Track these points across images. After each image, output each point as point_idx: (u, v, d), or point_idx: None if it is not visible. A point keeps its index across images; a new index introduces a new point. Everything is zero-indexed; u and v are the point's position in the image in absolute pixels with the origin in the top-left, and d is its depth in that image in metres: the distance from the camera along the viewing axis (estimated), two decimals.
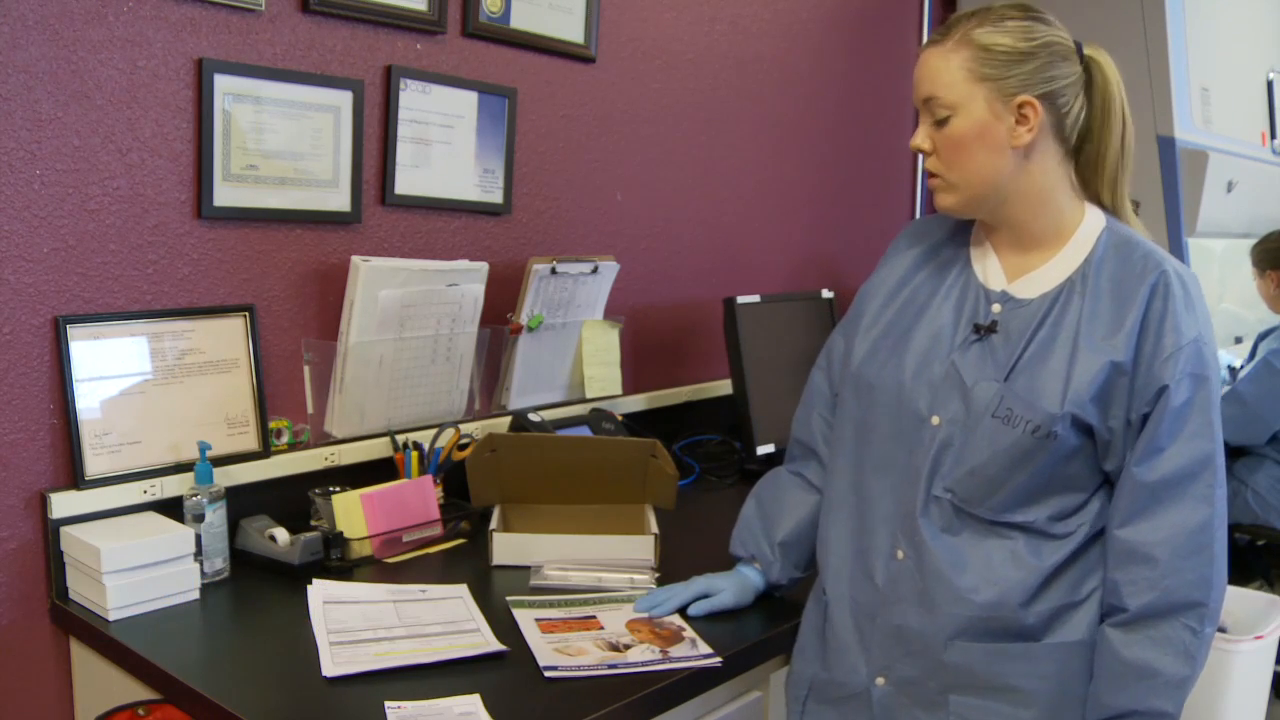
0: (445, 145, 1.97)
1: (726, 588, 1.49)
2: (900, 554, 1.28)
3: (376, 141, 1.88)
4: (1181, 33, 2.91)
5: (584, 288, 2.13)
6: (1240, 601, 1.76)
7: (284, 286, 1.78)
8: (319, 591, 1.49)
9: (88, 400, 1.54)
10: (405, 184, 1.92)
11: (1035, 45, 1.22)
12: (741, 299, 2.24)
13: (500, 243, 2.10)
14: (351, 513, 1.66)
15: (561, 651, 1.33)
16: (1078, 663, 1.23)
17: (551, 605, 1.49)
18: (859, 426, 1.35)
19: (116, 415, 1.57)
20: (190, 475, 1.58)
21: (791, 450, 1.53)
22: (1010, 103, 1.22)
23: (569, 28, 2.15)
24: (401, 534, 1.70)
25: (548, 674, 1.27)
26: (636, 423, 2.24)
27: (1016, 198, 1.26)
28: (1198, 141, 2.95)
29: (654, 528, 1.69)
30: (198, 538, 1.53)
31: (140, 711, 1.31)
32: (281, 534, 1.60)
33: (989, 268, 1.31)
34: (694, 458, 2.32)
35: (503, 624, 1.42)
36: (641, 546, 1.66)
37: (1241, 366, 3.08)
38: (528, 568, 1.61)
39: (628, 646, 1.36)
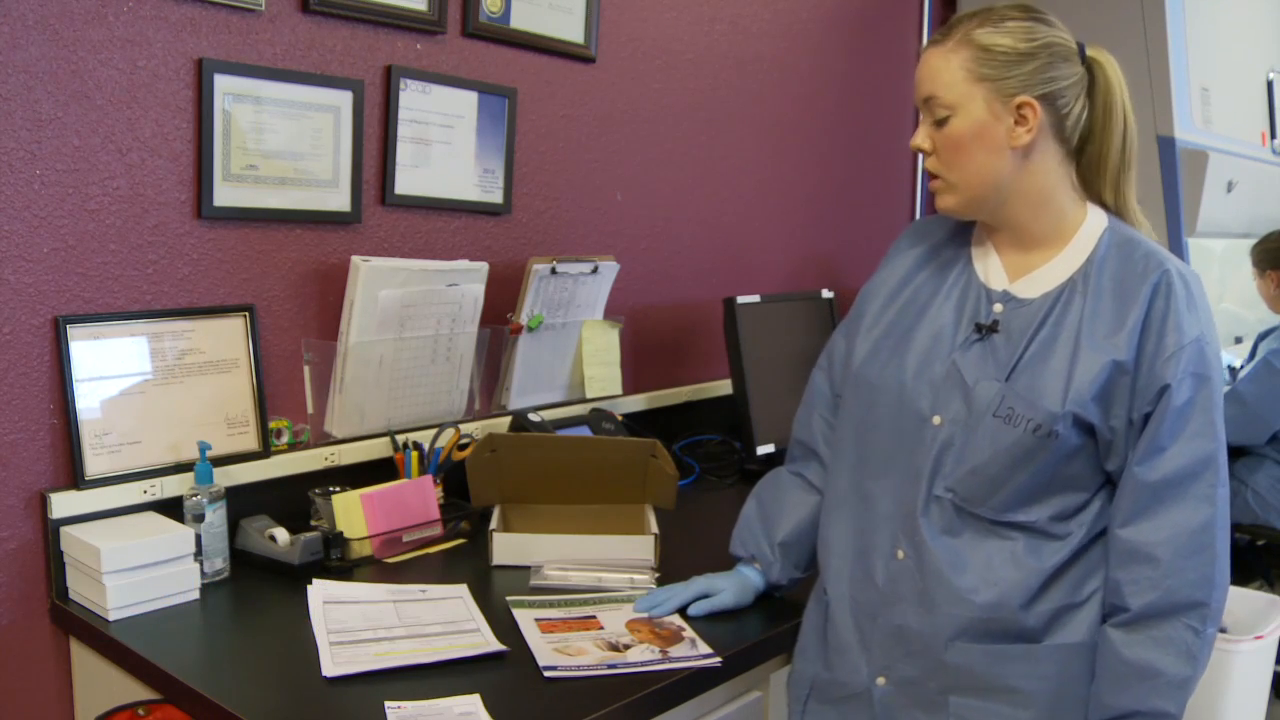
0: (445, 145, 1.97)
1: (726, 588, 1.49)
2: (901, 554, 1.28)
3: (376, 141, 1.88)
4: (1181, 33, 2.91)
5: (584, 288, 2.13)
6: (1240, 601, 1.76)
7: (284, 286, 1.79)
8: (319, 591, 1.49)
9: (88, 400, 1.54)
10: (405, 184, 1.92)
11: (1035, 46, 1.22)
12: (741, 299, 2.24)
13: (500, 243, 2.10)
14: (351, 513, 1.66)
15: (561, 651, 1.33)
16: (1078, 664, 1.23)
17: (551, 605, 1.49)
18: (860, 426, 1.35)
19: (116, 415, 1.57)
20: (190, 475, 1.58)
21: (792, 451, 1.53)
22: (1009, 103, 1.22)
23: (569, 28, 2.15)
24: (401, 534, 1.70)
25: (547, 674, 1.27)
26: (636, 423, 2.24)
27: (1017, 198, 1.26)
28: (1198, 141, 2.95)
29: (654, 528, 1.69)
30: (198, 538, 1.53)
31: (140, 711, 1.31)
32: (281, 534, 1.60)
33: (990, 267, 1.31)
34: (694, 458, 2.32)
35: (503, 624, 1.42)
36: (641, 546, 1.66)
37: (1241, 366, 3.08)
38: (528, 568, 1.61)
39: (627, 646, 1.36)
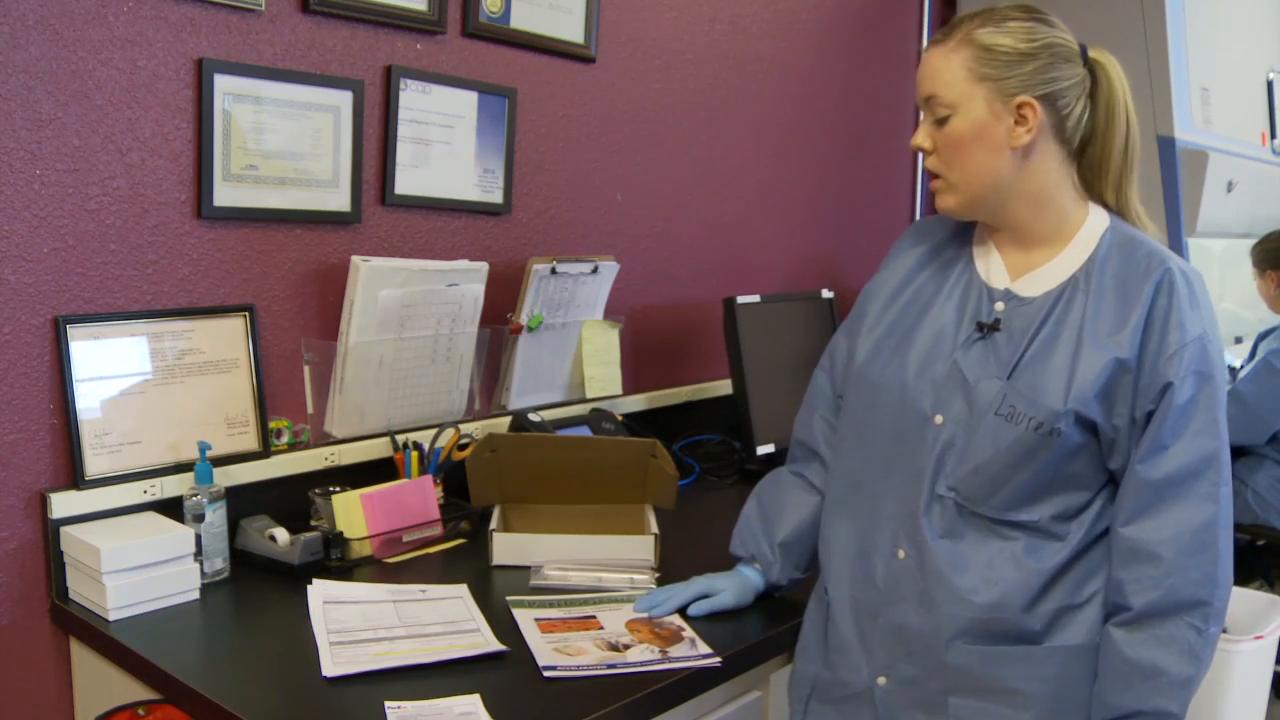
0: (445, 145, 1.97)
1: (726, 588, 1.49)
2: (902, 553, 1.28)
3: (376, 141, 1.88)
4: (1181, 33, 2.91)
5: (584, 288, 2.13)
6: (1240, 601, 1.76)
7: (284, 286, 1.79)
8: (319, 591, 1.49)
9: (88, 400, 1.54)
10: (405, 184, 1.92)
11: (1036, 46, 1.22)
12: (741, 299, 2.24)
13: (500, 243, 2.10)
14: (351, 513, 1.66)
15: (561, 651, 1.33)
16: (1077, 666, 1.23)
17: (551, 605, 1.49)
18: (862, 426, 1.35)
19: (116, 415, 1.57)
20: (190, 475, 1.58)
21: (793, 451, 1.53)
22: (1010, 103, 1.22)
23: (569, 28, 2.15)
24: (401, 534, 1.70)
25: (547, 674, 1.27)
26: (636, 423, 2.24)
27: (1017, 198, 1.26)
28: (1198, 141, 2.95)
29: (654, 528, 1.69)
30: (198, 538, 1.53)
31: (140, 711, 1.31)
32: (281, 534, 1.60)
33: (992, 266, 1.31)
34: (694, 458, 2.32)
35: (503, 624, 1.42)
36: (641, 546, 1.66)
37: (1241, 366, 3.08)
38: (528, 568, 1.61)
39: (627, 646, 1.36)
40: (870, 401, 1.34)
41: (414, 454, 1.81)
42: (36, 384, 1.52)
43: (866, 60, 3.00)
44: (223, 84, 1.65)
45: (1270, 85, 3.46)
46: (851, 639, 1.33)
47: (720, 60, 2.53)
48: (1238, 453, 2.98)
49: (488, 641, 1.35)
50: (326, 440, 1.82)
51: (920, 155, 1.32)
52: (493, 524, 1.68)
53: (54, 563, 1.52)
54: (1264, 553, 3.06)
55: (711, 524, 1.82)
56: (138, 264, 1.61)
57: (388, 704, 1.18)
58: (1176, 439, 1.18)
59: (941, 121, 1.25)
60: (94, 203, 1.55)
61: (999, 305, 1.28)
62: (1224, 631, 1.66)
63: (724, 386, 2.48)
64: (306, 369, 1.81)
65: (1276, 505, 2.93)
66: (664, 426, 2.35)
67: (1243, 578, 2.97)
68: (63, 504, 1.51)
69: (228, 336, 1.70)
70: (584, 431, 2.09)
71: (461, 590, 1.53)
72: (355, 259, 1.74)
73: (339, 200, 1.83)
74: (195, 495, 1.55)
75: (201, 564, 1.53)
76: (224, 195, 1.68)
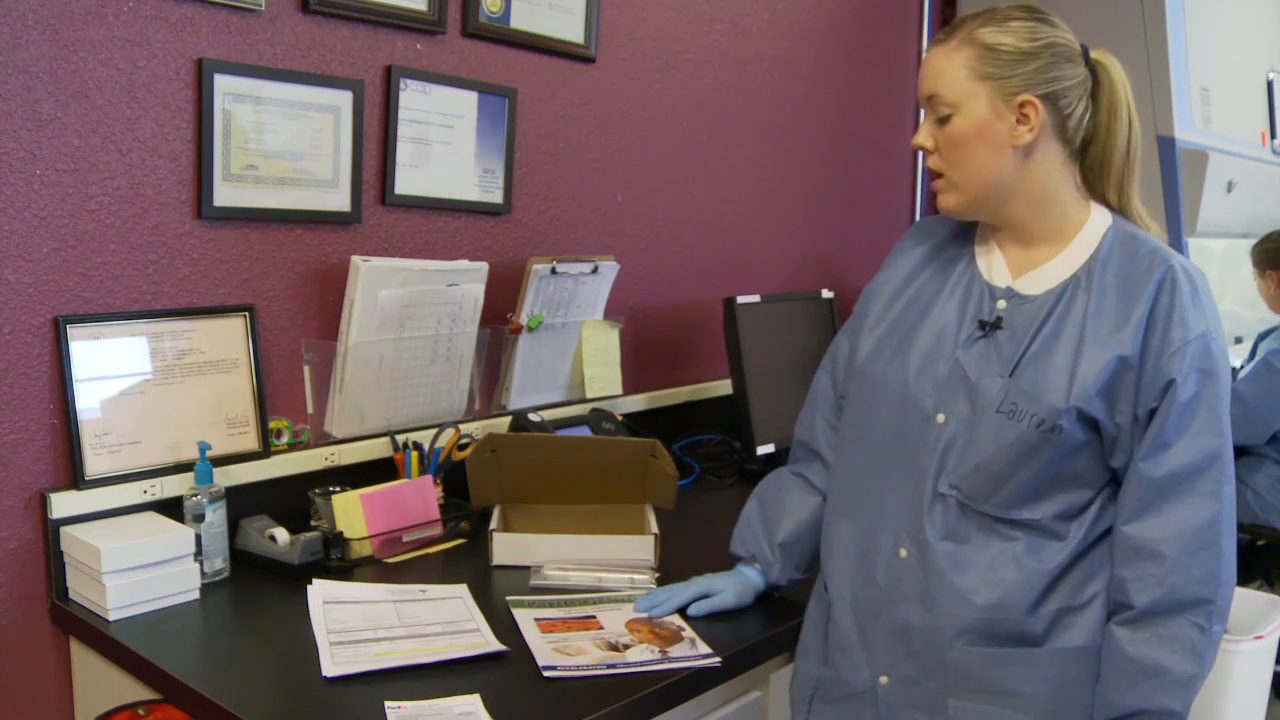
0: (445, 145, 1.97)
1: (726, 588, 1.49)
2: (903, 553, 1.28)
3: (376, 141, 1.88)
4: (1181, 33, 2.91)
5: (584, 288, 2.13)
6: (1240, 601, 1.76)
7: (284, 286, 1.79)
8: (319, 591, 1.49)
9: (88, 400, 1.54)
10: (405, 184, 1.92)
11: (1038, 46, 1.22)
12: (741, 299, 2.24)
13: (500, 243, 2.10)
14: (351, 513, 1.66)
15: (561, 651, 1.33)
16: (1078, 668, 1.23)
17: (551, 605, 1.49)
18: (864, 425, 1.35)
19: (116, 415, 1.57)
20: (190, 475, 1.58)
21: (794, 452, 1.53)
22: (1011, 102, 1.22)
23: (569, 28, 2.15)
24: (401, 534, 1.70)
25: (546, 674, 1.27)
26: (636, 423, 2.24)
27: (1019, 198, 1.26)
28: (1198, 141, 2.95)
29: (654, 528, 1.69)
30: (198, 538, 1.53)
31: (140, 711, 1.31)
32: (281, 534, 1.60)
33: (994, 264, 1.31)
34: (694, 458, 2.32)
35: (503, 624, 1.42)
36: (641, 546, 1.66)
37: (1242, 366, 3.08)
38: (528, 568, 1.61)
39: (627, 646, 1.36)
40: (872, 400, 1.34)
41: (414, 454, 1.81)
42: (36, 384, 1.52)
43: (866, 60, 3.00)
44: (223, 84, 1.65)
45: (1270, 85, 3.46)
46: (853, 638, 1.33)
47: (720, 60, 2.53)
48: (1238, 453, 2.99)
49: (488, 641, 1.35)
50: (326, 440, 1.82)
51: (921, 155, 1.32)
52: (493, 524, 1.68)
53: (54, 563, 1.52)
54: (1264, 553, 3.06)
55: (711, 524, 1.82)
56: (138, 264, 1.61)
57: (388, 704, 1.18)
58: (1179, 437, 1.18)
59: (943, 120, 1.25)
60: (94, 203, 1.55)
61: (1001, 303, 1.28)
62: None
63: (724, 386, 2.48)
64: (306, 369, 1.81)
65: (1276, 505, 2.94)
66: (664, 426, 2.35)
67: (1243, 578, 2.96)
68: (63, 504, 1.51)
69: (228, 336, 1.70)
70: (584, 431, 2.09)
71: (461, 590, 1.53)
72: (355, 259, 1.74)
73: (339, 200, 1.83)
74: (195, 495, 1.55)
75: (201, 564, 1.53)
76: (224, 195, 1.68)
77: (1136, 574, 1.19)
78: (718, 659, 1.34)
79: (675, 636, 1.40)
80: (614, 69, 2.28)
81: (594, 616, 1.46)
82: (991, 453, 1.23)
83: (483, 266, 1.92)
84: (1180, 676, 1.17)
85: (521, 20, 2.06)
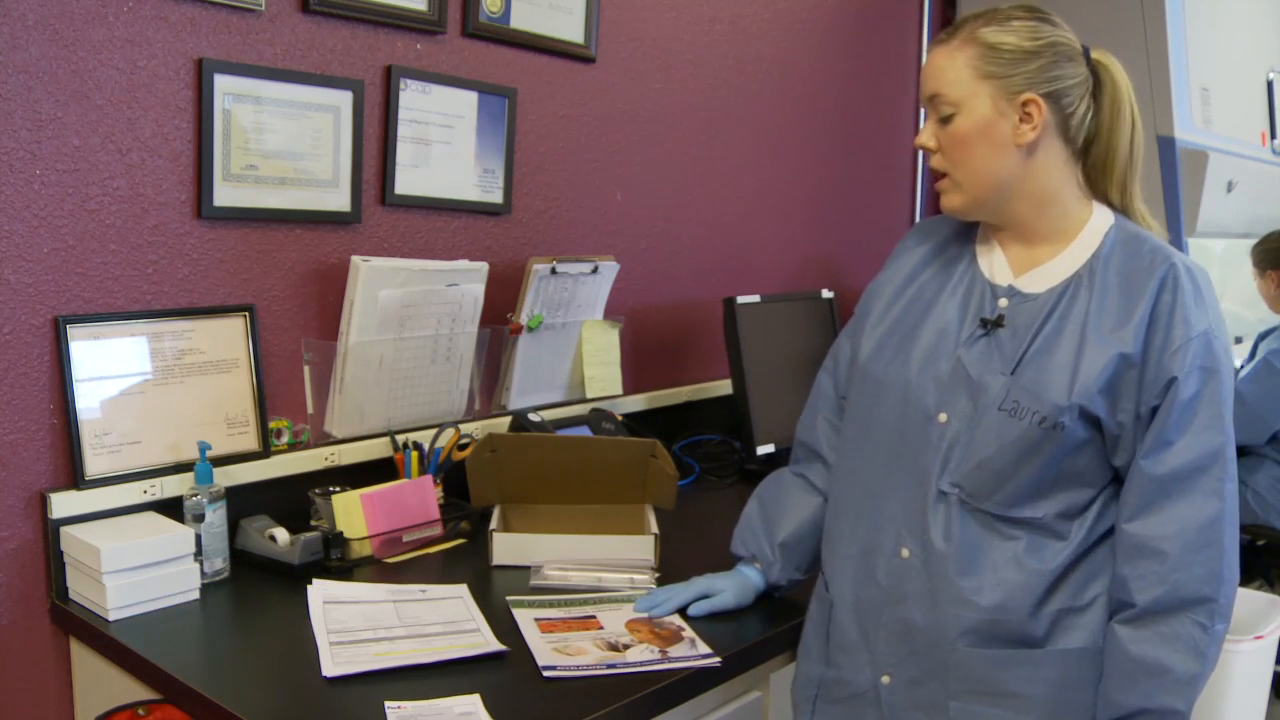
0: (445, 145, 1.97)
1: (727, 588, 1.49)
2: (905, 552, 1.28)
3: (376, 141, 1.88)
4: (1181, 33, 2.91)
5: (584, 288, 2.13)
6: (1240, 601, 1.75)
7: (284, 286, 1.79)
8: (319, 591, 1.49)
9: (88, 400, 1.54)
10: (405, 184, 1.92)
11: (1041, 45, 1.22)
12: (741, 299, 2.24)
13: (500, 243, 2.10)
14: (351, 513, 1.66)
15: (561, 651, 1.33)
16: (1079, 670, 1.23)
17: (551, 605, 1.49)
18: (866, 424, 1.35)
19: (116, 415, 1.57)
20: (190, 475, 1.58)
21: (795, 452, 1.53)
22: (1014, 100, 1.22)
23: (569, 28, 2.15)
24: (401, 534, 1.70)
25: (546, 674, 1.27)
26: (636, 423, 2.24)
27: (1021, 197, 1.27)
28: (1198, 141, 2.95)
29: (654, 528, 1.69)
30: (198, 538, 1.53)
31: (140, 711, 1.31)
32: (281, 534, 1.60)
33: (995, 263, 1.31)
34: (694, 458, 2.32)
35: (503, 624, 1.42)
36: (641, 546, 1.66)
37: (1242, 366, 3.08)
38: (528, 568, 1.61)
39: (627, 646, 1.36)
40: (874, 400, 1.34)
41: (414, 454, 1.81)
42: (36, 384, 1.52)
43: (866, 60, 3.00)
44: (223, 84, 1.65)
45: (1270, 85, 3.46)
46: (855, 638, 1.33)
47: (720, 60, 2.53)
48: (1238, 453, 2.98)
49: (488, 641, 1.35)
50: (326, 440, 1.82)
51: (922, 155, 1.32)
52: (493, 524, 1.68)
53: (54, 563, 1.52)
54: (1264, 553, 3.06)
55: (711, 524, 1.82)
56: (138, 264, 1.61)
57: (388, 704, 1.18)
58: (1181, 434, 1.18)
59: (946, 120, 1.25)
60: (94, 203, 1.55)
61: (1003, 301, 1.28)
62: None
63: (724, 386, 2.48)
64: (306, 369, 1.81)
65: (1276, 505, 2.94)
66: (664, 426, 2.35)
67: (1243, 578, 2.94)
68: (63, 504, 1.51)
69: (228, 336, 1.70)
70: (584, 431, 2.09)
71: (461, 590, 1.53)
72: (355, 259, 1.74)
73: (339, 200, 1.83)
74: (195, 495, 1.55)
75: (201, 564, 1.53)
76: (224, 195, 1.68)
77: (1138, 572, 1.19)
78: (718, 659, 1.34)
79: (675, 636, 1.40)
80: (614, 69, 2.28)
81: (594, 616, 1.46)
82: (993, 450, 1.23)
83: (483, 266, 1.92)
84: (1182, 675, 1.16)
85: (521, 20, 2.06)
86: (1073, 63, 1.24)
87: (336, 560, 1.62)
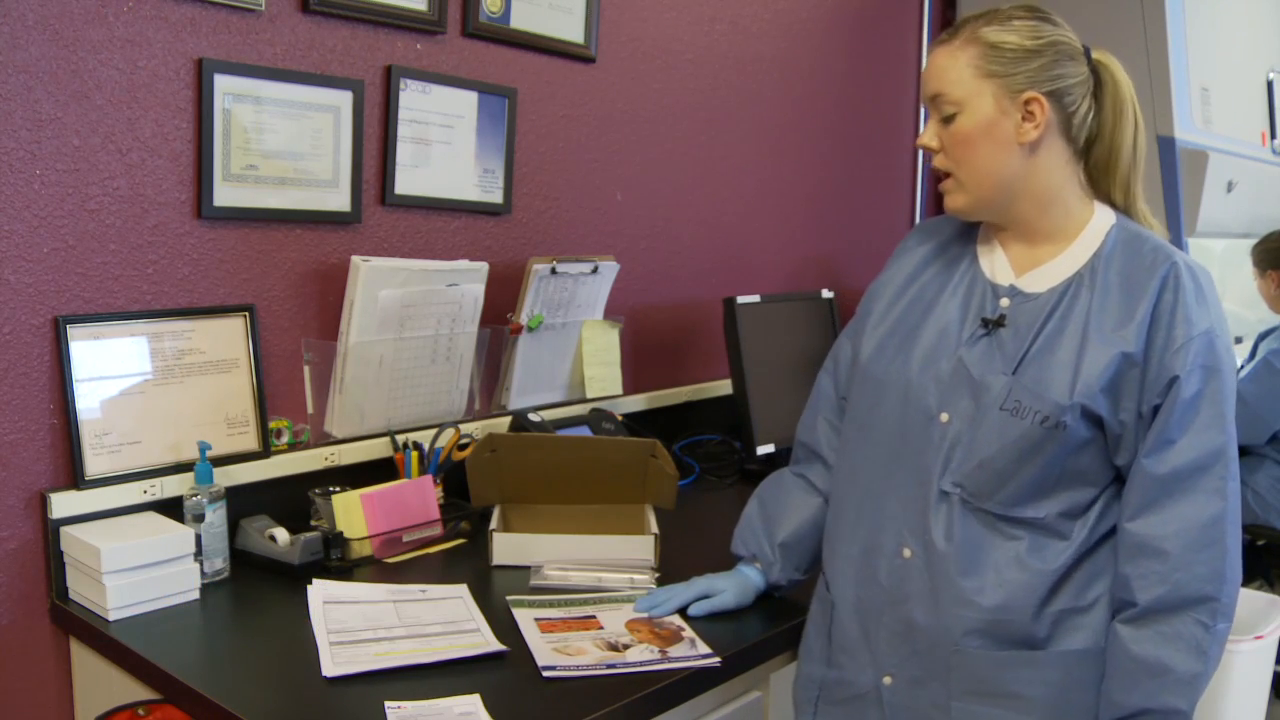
0: (445, 145, 1.97)
1: (727, 588, 1.49)
2: (907, 552, 1.28)
3: (376, 141, 1.88)
4: (1181, 33, 2.91)
5: (584, 288, 2.13)
6: (1241, 601, 1.75)
7: (284, 286, 1.79)
8: (319, 591, 1.49)
9: (88, 400, 1.54)
10: (405, 184, 1.92)
11: (1042, 44, 1.22)
12: (741, 299, 2.24)
13: (500, 243, 2.10)
14: (351, 513, 1.66)
15: (561, 651, 1.33)
16: (1081, 671, 1.23)
17: (551, 605, 1.49)
18: (867, 424, 1.35)
19: (116, 415, 1.57)
20: (190, 475, 1.58)
21: (796, 453, 1.53)
22: (1017, 99, 1.22)
23: (569, 28, 2.15)
24: (401, 534, 1.70)
25: (546, 674, 1.27)
26: (636, 423, 2.24)
27: (1024, 196, 1.27)
28: (1198, 141, 2.95)
29: (654, 528, 1.69)
30: (198, 538, 1.53)
31: (140, 711, 1.31)
32: (281, 534, 1.60)
33: (996, 263, 1.32)
34: (694, 458, 2.32)
35: (503, 624, 1.42)
36: (641, 546, 1.66)
37: (1242, 366, 3.08)
38: (528, 568, 1.61)
39: (627, 646, 1.36)
40: (875, 399, 1.34)
41: (414, 454, 1.81)
42: (36, 384, 1.51)
43: (866, 60, 3.00)
44: (223, 84, 1.65)
45: (1270, 85, 3.46)
46: (856, 638, 1.33)
47: (720, 60, 2.53)
48: (1238, 452, 2.98)
49: (488, 641, 1.35)
50: (326, 440, 1.82)
51: (923, 155, 1.32)
52: (493, 524, 1.68)
53: (54, 563, 1.52)
54: (1264, 553, 3.06)
55: (711, 524, 1.82)
56: (138, 264, 1.61)
57: (388, 704, 1.18)
58: (1183, 433, 1.18)
59: (948, 119, 1.25)
60: (94, 203, 1.55)
61: (1004, 301, 1.28)
62: None
63: (724, 386, 2.48)
64: (306, 369, 1.81)
65: (1276, 505, 2.94)
66: (664, 426, 2.34)
67: (1243, 578, 2.96)
68: (63, 504, 1.51)
69: (228, 336, 1.70)
70: (584, 431, 2.09)
71: (461, 590, 1.53)
72: (355, 259, 1.74)
73: (339, 200, 1.83)
74: (195, 495, 1.55)
75: (201, 564, 1.53)
76: (224, 195, 1.68)
77: (1140, 571, 1.18)
78: (718, 659, 1.34)
79: (675, 636, 1.40)
80: (614, 69, 2.28)
81: (594, 616, 1.46)
82: (995, 450, 1.22)
83: (483, 266, 1.92)
84: (1184, 675, 1.16)
85: (521, 20, 2.06)
86: (1074, 62, 1.24)
87: (336, 560, 1.62)
